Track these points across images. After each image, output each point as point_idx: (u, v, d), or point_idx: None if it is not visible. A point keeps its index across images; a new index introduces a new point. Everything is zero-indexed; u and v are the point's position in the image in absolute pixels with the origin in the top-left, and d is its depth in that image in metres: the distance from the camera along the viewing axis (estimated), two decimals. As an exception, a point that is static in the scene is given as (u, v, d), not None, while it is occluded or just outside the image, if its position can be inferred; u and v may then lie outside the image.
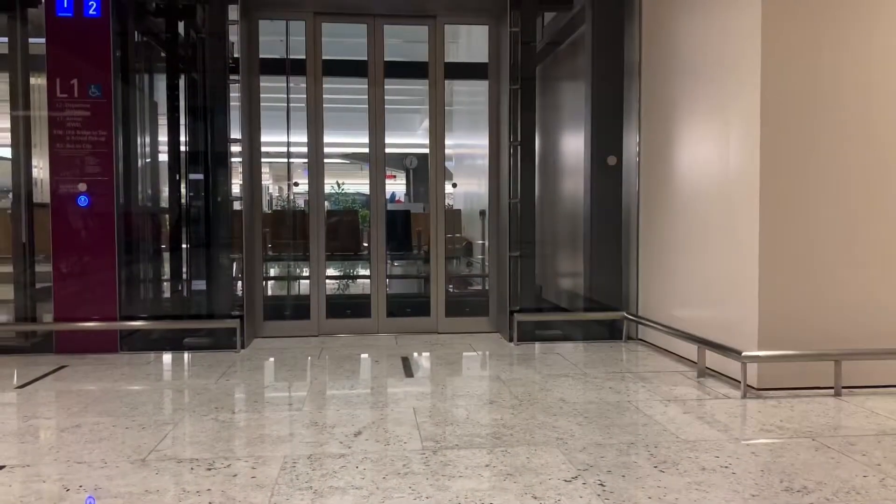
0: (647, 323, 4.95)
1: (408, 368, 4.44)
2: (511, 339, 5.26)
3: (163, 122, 5.55)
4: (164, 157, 5.59)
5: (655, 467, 2.68)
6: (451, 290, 6.19)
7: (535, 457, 2.79)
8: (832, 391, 3.75)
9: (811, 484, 2.52)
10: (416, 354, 4.90)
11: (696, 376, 4.16)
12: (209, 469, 2.66)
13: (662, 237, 4.93)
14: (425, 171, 5.92)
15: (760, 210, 3.77)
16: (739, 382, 3.75)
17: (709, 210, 4.29)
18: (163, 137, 5.55)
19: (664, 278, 4.91)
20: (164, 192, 5.69)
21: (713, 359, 4.15)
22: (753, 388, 3.82)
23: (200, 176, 5.31)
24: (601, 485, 2.50)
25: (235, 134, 5.28)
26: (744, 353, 3.71)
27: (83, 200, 4.86)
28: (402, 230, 7.18)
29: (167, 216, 5.65)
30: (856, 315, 3.86)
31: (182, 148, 5.41)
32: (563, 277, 6.22)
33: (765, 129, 3.76)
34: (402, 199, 11.17)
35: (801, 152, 3.79)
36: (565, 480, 2.54)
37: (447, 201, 6.03)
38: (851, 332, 3.85)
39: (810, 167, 3.80)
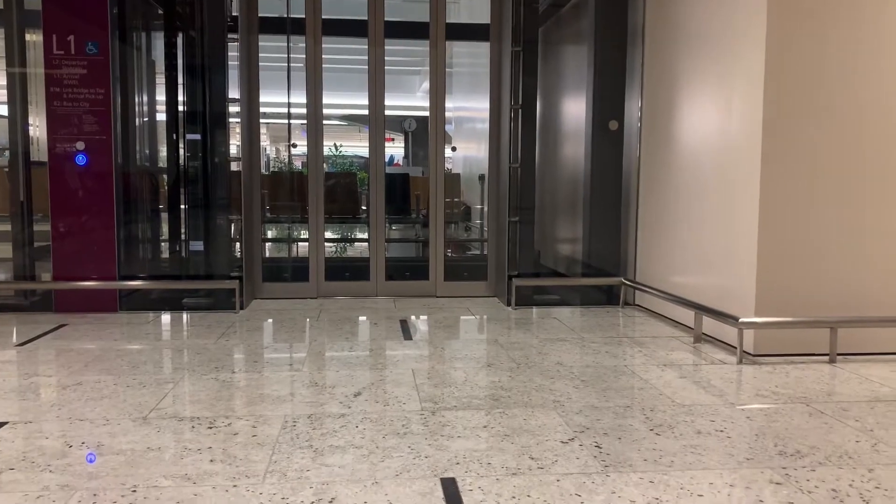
0: (645, 289, 4.97)
1: (406, 331, 4.47)
2: (509, 304, 5.29)
3: (160, 81, 5.49)
4: (162, 116, 5.55)
5: (651, 430, 2.71)
6: (450, 254, 6.20)
7: (532, 418, 2.82)
8: (827, 358, 3.79)
9: (805, 448, 2.55)
10: (414, 317, 4.92)
11: (693, 342, 4.19)
12: (210, 427, 2.69)
13: (662, 203, 4.93)
14: (424, 134, 5.88)
15: (761, 179, 3.76)
16: (735, 348, 3.78)
17: (709, 177, 4.28)
18: (161, 97, 5.50)
19: (663, 245, 4.92)
20: (163, 152, 5.65)
21: (710, 325, 4.18)
22: (749, 354, 3.85)
23: (199, 136, 5.27)
24: (597, 446, 2.53)
25: (234, 94, 5.23)
26: (741, 319, 3.73)
27: (81, 159, 4.83)
28: (400, 194, 7.16)
29: (165, 176, 5.62)
30: (853, 283, 3.87)
31: (180, 108, 5.36)
32: (561, 243, 6.22)
33: (767, 97, 3.74)
34: (401, 163, 11.11)
35: (804, 121, 3.77)
36: (562, 442, 2.58)
37: (446, 165, 6.00)
38: (848, 300, 3.87)
39: (813, 136, 3.78)
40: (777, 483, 2.25)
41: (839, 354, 3.80)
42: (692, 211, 4.49)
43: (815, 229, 3.83)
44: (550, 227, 6.29)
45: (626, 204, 5.45)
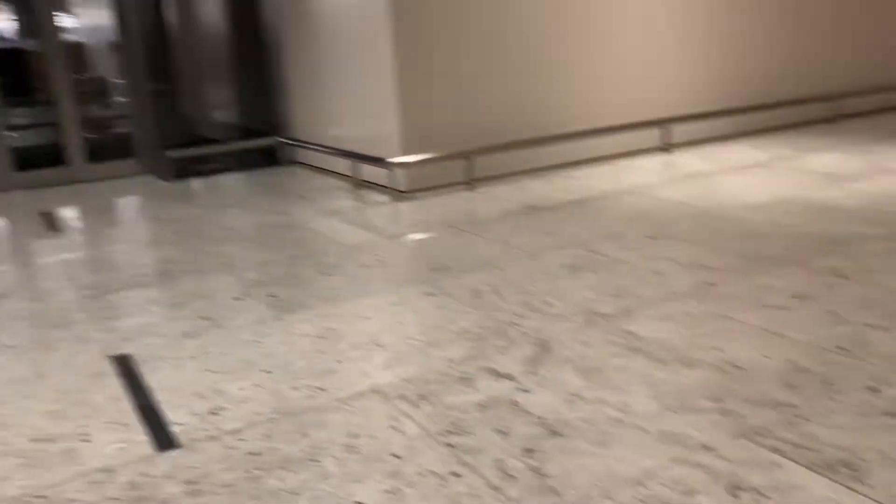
0: (302, 144, 5.05)
1: (51, 223, 4.05)
2: (165, 178, 5.02)
3: None
4: None
5: (321, 273, 2.88)
6: (92, 135, 5.62)
7: (203, 284, 2.82)
8: (467, 185, 4.26)
9: (452, 263, 2.92)
10: (59, 208, 4.46)
11: (353, 189, 4.42)
12: None
13: (313, 60, 4.93)
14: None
15: (394, 30, 3.93)
16: (390, 189, 4.08)
17: (354, 29, 4.37)
18: None
19: (319, 100, 4.98)
20: None
21: (369, 171, 4.42)
22: (402, 191, 4.18)
23: None
24: (271, 296, 2.63)
25: None
26: (389, 161, 4.02)
27: None
28: (17, 72, 6.21)
29: None
30: (487, 116, 4.32)
31: None
32: (214, 109, 5.98)
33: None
34: (13, 36, 9.53)
35: (426, -35, 3.98)
36: (234, 298, 2.63)
37: (69, 35, 5.31)
38: (484, 133, 4.31)
39: (434, -21, 4.03)
40: (430, 294, 2.57)
41: (475, 180, 4.29)
42: (340, 65, 4.58)
43: (448, 72, 4.16)
44: (200, 93, 5.99)
45: (277, 62, 5.35)
